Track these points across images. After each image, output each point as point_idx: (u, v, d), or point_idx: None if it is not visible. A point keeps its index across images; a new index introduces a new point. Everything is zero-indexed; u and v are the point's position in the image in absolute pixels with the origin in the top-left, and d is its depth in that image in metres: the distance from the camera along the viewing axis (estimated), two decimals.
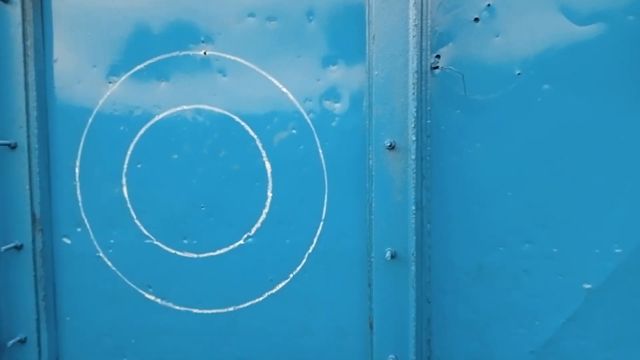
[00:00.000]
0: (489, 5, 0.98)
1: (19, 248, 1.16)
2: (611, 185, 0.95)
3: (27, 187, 1.14)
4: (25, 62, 1.13)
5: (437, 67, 1.01)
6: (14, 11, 1.12)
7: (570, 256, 0.98)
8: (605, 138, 0.94)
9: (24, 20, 1.12)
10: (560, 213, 0.98)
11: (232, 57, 1.08)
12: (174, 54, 1.10)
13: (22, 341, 1.18)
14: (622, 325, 0.97)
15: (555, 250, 0.99)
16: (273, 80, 1.07)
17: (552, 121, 0.96)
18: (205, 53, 1.09)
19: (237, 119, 1.09)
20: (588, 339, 0.99)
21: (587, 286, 0.98)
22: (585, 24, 0.94)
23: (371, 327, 1.04)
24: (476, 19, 0.98)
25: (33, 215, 1.15)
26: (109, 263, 1.17)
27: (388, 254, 0.99)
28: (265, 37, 1.06)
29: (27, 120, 1.13)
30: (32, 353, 1.18)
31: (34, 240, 1.16)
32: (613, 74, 0.93)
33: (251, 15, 1.07)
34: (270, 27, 1.06)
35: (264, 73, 1.07)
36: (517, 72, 0.97)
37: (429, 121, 1.01)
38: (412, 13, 0.96)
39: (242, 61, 1.08)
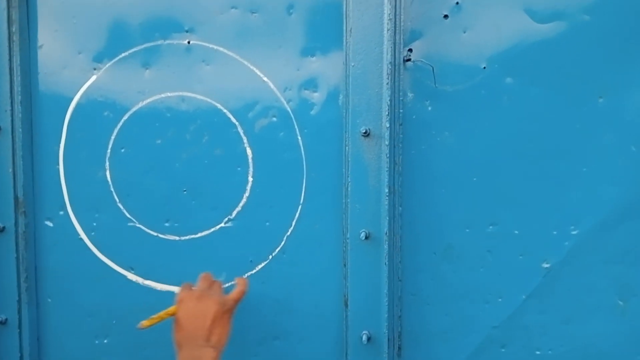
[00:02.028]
0: (457, 3, 1.04)
1: (1, 230, 1.17)
2: (568, 170, 1.02)
3: (11, 170, 1.16)
4: (10, 48, 1.14)
5: (409, 60, 1.06)
6: None
7: (531, 237, 1.05)
8: (562, 127, 1.02)
9: (9, 6, 1.14)
10: (522, 197, 1.05)
11: (215, 47, 1.12)
12: (159, 42, 1.14)
13: (3, 322, 1.19)
14: (578, 300, 1.05)
15: (516, 231, 1.06)
16: (254, 69, 1.11)
17: (515, 111, 1.03)
18: (189, 42, 1.13)
19: (219, 106, 1.13)
20: (547, 314, 1.06)
21: (546, 265, 1.05)
22: (546, 22, 1.01)
23: (346, 304, 1.09)
24: (446, 16, 1.05)
25: (16, 198, 1.17)
26: (92, 245, 1.20)
27: (362, 234, 1.05)
28: (248, 28, 1.11)
29: (12, 105, 1.15)
30: (12, 334, 1.20)
31: (16, 223, 1.17)
32: (570, 69, 1.01)
33: (234, 7, 1.11)
34: (252, 19, 1.11)
35: (245, 63, 1.12)
36: (483, 65, 1.04)
37: (401, 110, 1.07)
38: (387, 8, 1.01)
39: (225, 51, 1.12)
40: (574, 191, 1.03)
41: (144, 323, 0.95)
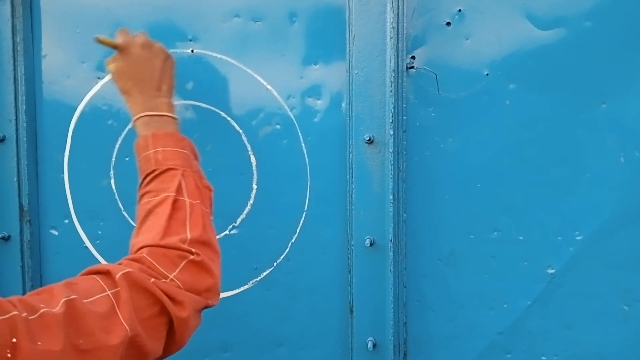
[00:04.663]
0: (459, 10, 1.04)
1: (6, 239, 1.18)
2: (571, 176, 1.03)
3: (15, 179, 1.16)
4: (14, 58, 1.15)
5: (412, 67, 1.07)
6: (3, 7, 1.15)
7: (535, 243, 1.05)
8: (565, 133, 1.02)
9: (13, 16, 1.15)
10: (526, 203, 1.05)
11: (219, 55, 1.13)
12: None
13: None
14: (581, 306, 1.05)
15: (520, 237, 1.06)
16: (258, 77, 1.12)
17: (518, 118, 1.04)
18: (192, 51, 1.14)
19: (223, 114, 1.14)
20: (551, 319, 1.06)
21: (551, 271, 1.06)
22: (547, 29, 1.01)
23: (351, 311, 1.09)
24: (448, 23, 1.05)
25: (21, 206, 1.18)
26: (97, 254, 1.20)
27: (367, 241, 1.06)
28: (251, 37, 1.12)
29: (16, 114, 1.16)
30: None
31: (21, 232, 1.18)
32: (572, 75, 1.01)
33: (237, 16, 1.12)
34: (255, 28, 1.12)
35: (249, 71, 1.12)
36: (486, 72, 1.04)
37: (405, 117, 1.07)
38: (390, 16, 1.01)
39: (229, 59, 1.12)
40: (578, 197, 1.03)
41: (99, 37, 0.96)
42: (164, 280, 0.70)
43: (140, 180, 0.86)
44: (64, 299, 0.58)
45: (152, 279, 0.68)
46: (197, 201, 0.81)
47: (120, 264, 0.70)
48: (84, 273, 0.68)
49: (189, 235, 0.76)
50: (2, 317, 0.51)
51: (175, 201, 0.79)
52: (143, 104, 0.90)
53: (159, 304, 0.67)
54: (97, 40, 0.95)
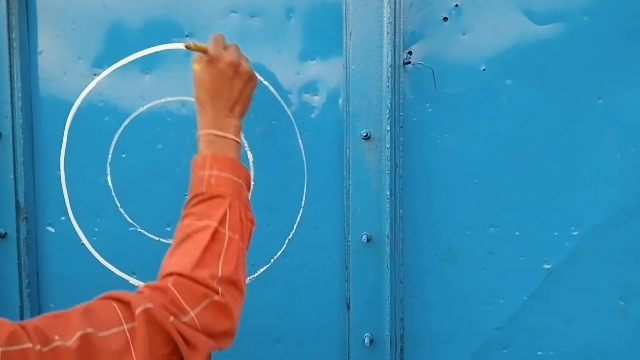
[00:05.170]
0: (457, 5, 1.04)
1: (2, 236, 1.18)
2: (568, 171, 1.03)
3: (12, 176, 1.16)
4: (10, 54, 1.15)
5: (409, 63, 1.07)
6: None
7: (532, 238, 1.05)
8: (562, 128, 1.02)
9: (8, 12, 1.14)
10: (522, 198, 1.05)
11: None
12: (159, 47, 1.14)
13: None
14: (579, 301, 1.05)
15: (517, 233, 1.06)
16: (255, 73, 1.12)
17: (515, 113, 1.04)
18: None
19: None
20: (549, 315, 1.06)
21: (547, 266, 1.06)
22: (545, 24, 1.01)
23: (348, 307, 1.09)
24: (445, 18, 1.05)
25: (17, 203, 1.17)
26: (93, 251, 1.20)
27: (364, 237, 1.05)
28: (248, 32, 1.11)
29: (12, 111, 1.15)
30: None
31: (18, 229, 1.18)
32: (570, 70, 1.01)
33: (234, 11, 1.11)
34: (252, 24, 1.11)
35: None
36: (483, 68, 1.04)
37: (401, 113, 1.07)
38: (387, 12, 1.01)
39: None
40: (575, 192, 1.03)
41: (188, 44, 0.93)
42: (183, 317, 0.69)
43: (187, 197, 0.85)
44: (80, 333, 0.58)
45: (172, 318, 0.67)
46: (237, 236, 0.80)
47: (142, 293, 0.70)
48: (105, 297, 0.67)
49: (220, 272, 0.75)
50: (15, 348, 0.51)
51: (215, 232, 0.78)
52: (212, 121, 0.89)
53: (172, 343, 0.66)
54: (186, 47, 0.93)
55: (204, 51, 0.92)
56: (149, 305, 0.65)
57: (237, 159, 0.89)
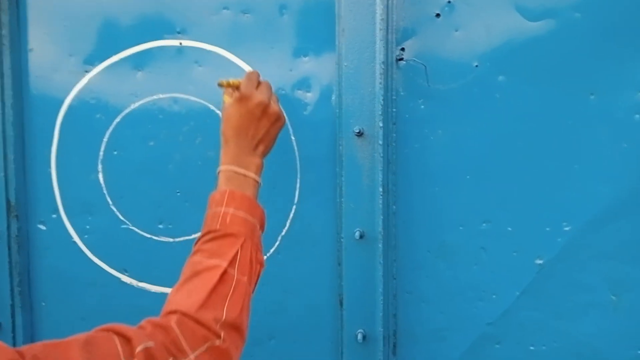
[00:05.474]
0: (449, 2, 1.04)
1: None
2: (560, 167, 1.03)
3: (2, 173, 1.15)
4: (0, 51, 1.14)
5: (402, 59, 1.07)
6: None
7: (524, 234, 1.06)
8: (554, 124, 1.02)
9: None
10: (515, 194, 1.05)
11: (208, 48, 1.12)
12: (150, 44, 1.13)
13: None
14: (571, 296, 1.05)
15: (510, 229, 1.06)
16: (247, 70, 1.11)
17: (507, 109, 1.04)
18: (180, 43, 1.13)
19: (212, 107, 1.13)
20: (540, 310, 1.07)
21: (539, 261, 1.06)
22: (537, 20, 1.01)
23: (341, 303, 1.09)
24: (437, 15, 1.05)
25: (8, 201, 1.16)
26: (85, 248, 1.19)
27: (357, 233, 1.05)
28: (240, 29, 1.11)
29: (3, 108, 1.15)
30: (6, 339, 1.19)
31: (9, 227, 1.17)
32: (562, 66, 1.01)
33: (226, 8, 1.11)
34: (244, 20, 1.11)
35: (238, 63, 1.12)
36: (475, 64, 1.04)
37: (394, 110, 1.07)
38: (379, 8, 1.01)
39: (218, 51, 1.12)
40: (567, 188, 1.03)
41: (221, 81, 0.95)
42: (182, 359, 0.69)
43: (201, 232, 0.85)
44: None
45: (171, 359, 0.67)
46: (245, 278, 0.81)
47: (144, 328, 0.70)
48: (107, 328, 0.67)
49: (224, 316, 0.75)
50: None
51: (224, 273, 0.78)
52: (234, 158, 0.90)
53: None
54: (219, 85, 0.95)
55: (237, 87, 0.93)
56: (150, 344, 0.65)
57: (254, 199, 0.90)
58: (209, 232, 0.84)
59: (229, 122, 0.92)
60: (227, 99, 0.94)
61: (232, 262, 0.80)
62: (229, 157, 0.91)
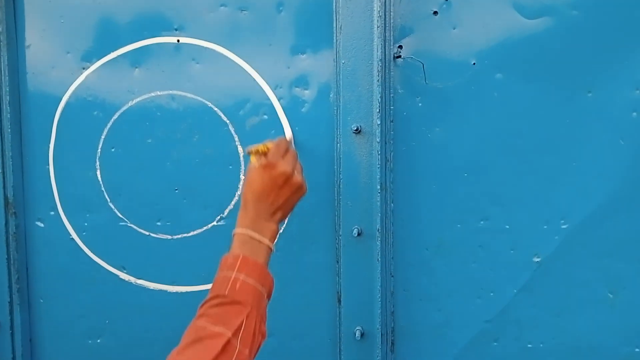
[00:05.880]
0: None
1: None
2: (557, 165, 1.03)
3: (0, 170, 1.15)
4: None
5: (399, 57, 1.07)
6: None
7: (521, 231, 1.06)
8: (552, 122, 1.02)
9: None
10: (512, 192, 1.05)
11: (205, 45, 1.12)
12: (148, 41, 1.13)
13: None
14: (568, 294, 1.06)
15: (507, 226, 1.07)
16: (245, 67, 1.11)
17: (505, 107, 1.04)
18: (178, 40, 1.13)
19: (210, 104, 1.13)
20: (538, 307, 1.07)
21: (537, 259, 1.06)
22: (534, 18, 1.01)
23: (339, 301, 1.10)
24: (435, 12, 1.05)
25: (6, 198, 1.16)
26: (83, 246, 1.19)
27: (355, 231, 1.06)
28: (237, 26, 1.11)
29: (0, 105, 1.14)
30: (5, 336, 1.19)
31: (6, 224, 1.17)
32: (559, 64, 1.01)
33: (223, 5, 1.11)
34: (241, 17, 1.11)
35: (236, 61, 1.11)
36: (473, 61, 1.04)
37: (392, 107, 1.07)
38: (377, 5, 1.01)
39: (215, 49, 1.12)
40: (564, 185, 1.04)
41: (250, 149, 0.95)
42: None
43: (209, 294, 0.85)
44: None
45: None
46: (247, 350, 0.80)
47: None
48: None
49: None
50: None
51: (227, 343, 0.77)
52: (251, 222, 0.90)
53: None
54: (248, 153, 0.96)
55: (264, 154, 0.94)
56: None
57: (265, 267, 0.90)
58: (217, 297, 0.83)
59: (251, 186, 0.93)
60: (254, 160, 0.95)
61: (236, 333, 0.79)
62: (246, 220, 0.91)
